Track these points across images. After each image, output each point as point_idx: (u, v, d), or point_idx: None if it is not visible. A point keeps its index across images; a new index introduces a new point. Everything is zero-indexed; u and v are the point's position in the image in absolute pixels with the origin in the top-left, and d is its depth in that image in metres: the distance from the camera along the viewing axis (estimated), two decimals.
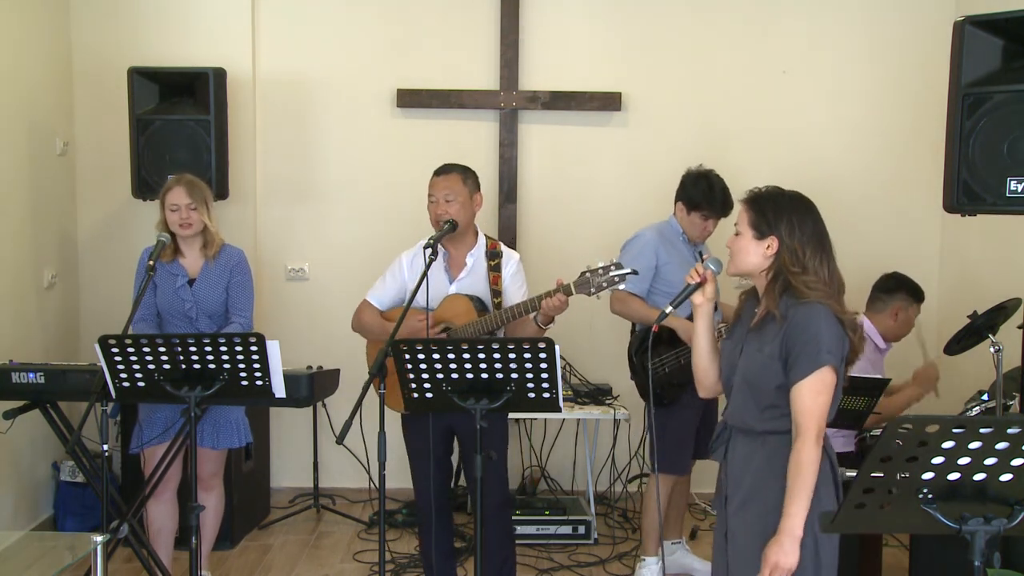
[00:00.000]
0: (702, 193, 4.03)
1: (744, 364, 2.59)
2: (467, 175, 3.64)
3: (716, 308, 4.13)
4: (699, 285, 2.66)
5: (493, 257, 3.64)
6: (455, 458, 3.82)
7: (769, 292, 2.54)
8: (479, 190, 3.68)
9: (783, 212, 2.54)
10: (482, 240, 3.68)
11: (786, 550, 2.39)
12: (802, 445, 2.41)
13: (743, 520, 2.58)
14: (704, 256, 2.69)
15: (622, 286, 3.33)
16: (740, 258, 2.60)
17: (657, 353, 3.99)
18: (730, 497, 2.64)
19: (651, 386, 4.02)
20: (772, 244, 2.53)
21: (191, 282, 3.76)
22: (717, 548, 2.74)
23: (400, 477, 3.99)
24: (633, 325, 4.17)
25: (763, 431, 2.56)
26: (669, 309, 2.69)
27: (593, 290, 3.30)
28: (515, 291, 3.63)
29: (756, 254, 2.56)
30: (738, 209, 2.68)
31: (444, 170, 3.64)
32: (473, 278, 3.62)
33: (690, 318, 3.95)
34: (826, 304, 2.47)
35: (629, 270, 3.31)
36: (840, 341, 2.46)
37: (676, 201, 4.14)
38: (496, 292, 3.59)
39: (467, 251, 3.64)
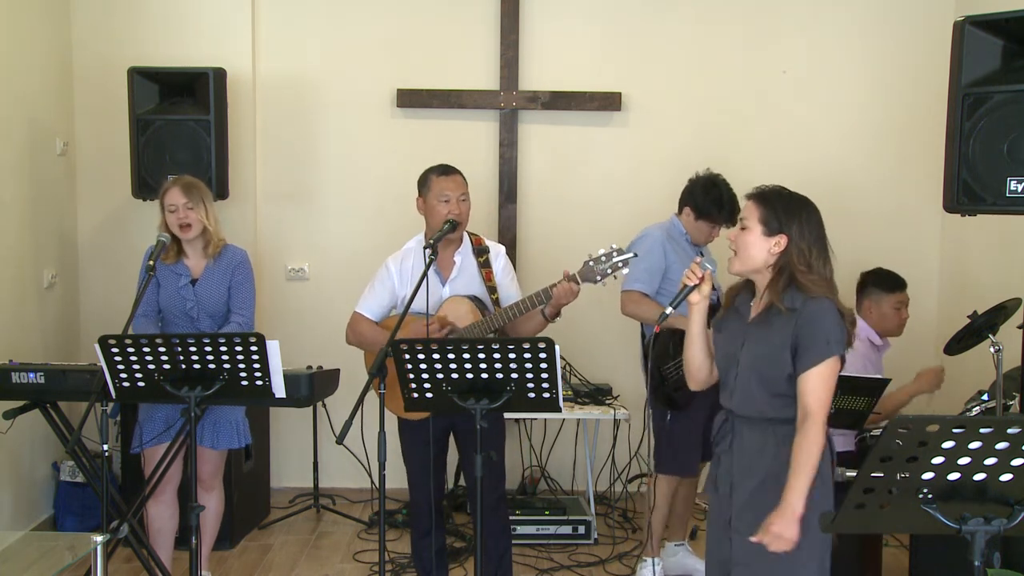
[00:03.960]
0: (713, 202, 4.05)
1: (751, 355, 2.66)
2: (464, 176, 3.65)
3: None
4: (696, 285, 2.72)
5: (481, 254, 3.63)
6: (451, 459, 3.81)
7: (773, 287, 2.63)
8: None
9: (794, 212, 2.63)
10: (466, 238, 3.66)
11: (788, 523, 2.47)
12: (811, 427, 2.51)
13: (756, 508, 2.61)
14: (699, 257, 2.71)
15: (625, 270, 3.35)
16: (746, 253, 2.66)
17: (672, 356, 3.98)
18: (737, 486, 2.68)
19: (665, 389, 4.01)
20: (780, 242, 2.62)
21: (194, 282, 3.76)
22: (715, 538, 2.78)
23: (400, 477, 3.98)
24: (642, 328, 4.17)
25: (774, 419, 2.64)
26: (669, 310, 2.75)
27: (599, 278, 3.33)
28: (508, 284, 3.63)
29: (763, 250, 2.63)
30: (742, 205, 2.73)
31: (451, 170, 3.59)
32: (465, 277, 3.60)
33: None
34: (831, 298, 2.60)
35: (631, 253, 3.34)
36: (844, 334, 2.60)
37: (684, 205, 4.15)
38: (492, 288, 3.59)
39: (454, 251, 3.62)
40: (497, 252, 3.68)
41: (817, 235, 2.64)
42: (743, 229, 2.67)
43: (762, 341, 2.64)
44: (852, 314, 2.67)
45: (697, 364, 2.82)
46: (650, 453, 4.20)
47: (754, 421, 2.67)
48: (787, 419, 2.61)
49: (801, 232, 2.61)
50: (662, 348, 3.99)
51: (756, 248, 2.64)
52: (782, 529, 2.48)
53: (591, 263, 3.33)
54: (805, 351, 2.55)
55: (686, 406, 3.98)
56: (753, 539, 2.52)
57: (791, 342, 2.58)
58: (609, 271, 3.33)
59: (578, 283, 3.34)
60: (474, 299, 3.55)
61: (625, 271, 3.37)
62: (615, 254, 3.32)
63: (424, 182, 3.60)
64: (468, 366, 2.90)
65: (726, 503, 2.72)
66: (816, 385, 2.54)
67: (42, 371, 3.51)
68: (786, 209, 2.63)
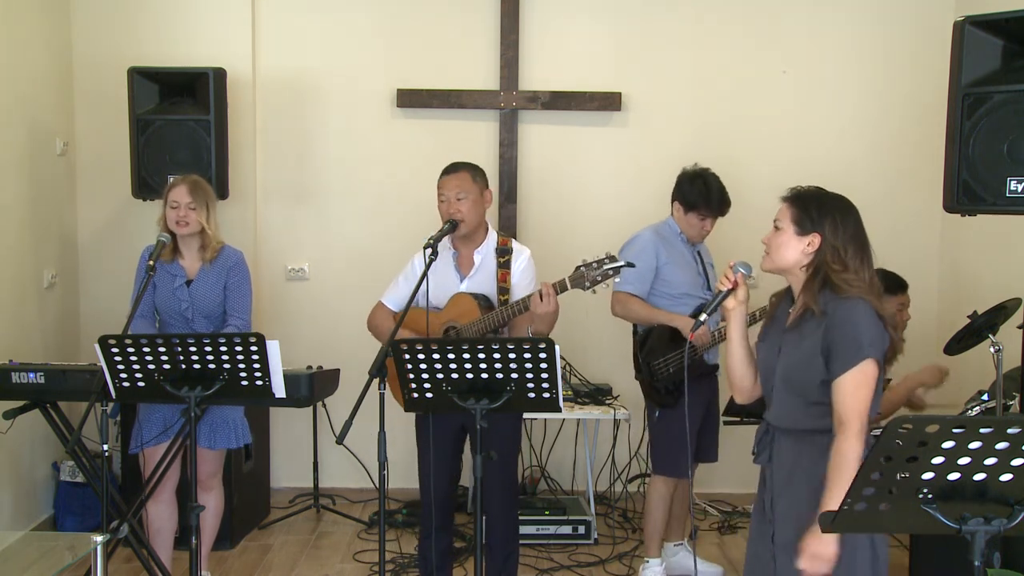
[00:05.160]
0: (699, 193, 4.05)
1: (784, 362, 2.59)
2: (476, 172, 3.64)
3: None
4: (731, 290, 2.65)
5: (503, 254, 3.64)
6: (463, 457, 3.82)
7: (808, 288, 2.55)
8: (488, 187, 3.69)
9: (827, 210, 2.56)
10: (492, 237, 3.67)
11: (824, 540, 2.36)
12: (843, 438, 2.41)
13: (796, 523, 2.52)
14: (731, 262, 2.66)
15: (617, 279, 3.35)
16: (779, 253, 2.59)
17: (661, 353, 3.99)
18: (776, 501, 2.62)
19: (655, 384, 4.03)
20: (814, 241, 2.55)
21: (189, 283, 3.77)
22: (755, 555, 2.70)
23: (400, 477, 3.99)
24: (634, 326, 4.17)
25: (811, 429, 2.55)
26: (704, 318, 2.67)
27: (588, 284, 3.32)
28: (524, 288, 3.61)
29: (796, 250, 2.57)
30: (772, 206, 2.67)
31: (454, 168, 3.62)
32: (483, 275, 3.62)
33: (695, 315, 4.00)
34: (867, 299, 2.50)
35: (623, 262, 3.33)
36: (881, 336, 2.49)
37: (672, 201, 4.16)
38: (503, 289, 3.59)
39: (475, 248, 3.64)
40: (519, 254, 3.67)
41: (854, 233, 2.55)
42: (777, 230, 2.61)
43: (794, 347, 2.56)
44: (894, 317, 2.55)
45: (739, 374, 2.73)
46: (652, 454, 4.21)
47: (791, 432, 2.59)
48: (826, 429, 2.51)
49: (835, 230, 2.53)
50: (653, 344, 4.00)
51: (788, 248, 2.57)
52: (816, 548, 2.37)
53: (583, 269, 3.33)
54: (836, 356, 2.45)
55: (675, 404, 3.99)
56: (798, 567, 2.40)
57: (822, 346, 2.48)
58: (600, 278, 3.31)
59: (566, 288, 3.33)
60: (480, 297, 3.56)
61: (617, 279, 3.38)
62: (607, 261, 3.31)
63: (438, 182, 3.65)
64: (468, 366, 2.89)
65: (767, 519, 2.64)
66: (849, 391, 2.43)
67: (42, 371, 3.51)
68: (819, 208, 2.56)
